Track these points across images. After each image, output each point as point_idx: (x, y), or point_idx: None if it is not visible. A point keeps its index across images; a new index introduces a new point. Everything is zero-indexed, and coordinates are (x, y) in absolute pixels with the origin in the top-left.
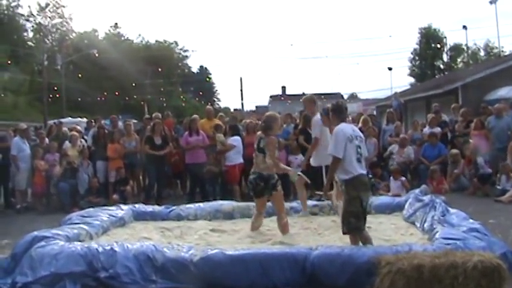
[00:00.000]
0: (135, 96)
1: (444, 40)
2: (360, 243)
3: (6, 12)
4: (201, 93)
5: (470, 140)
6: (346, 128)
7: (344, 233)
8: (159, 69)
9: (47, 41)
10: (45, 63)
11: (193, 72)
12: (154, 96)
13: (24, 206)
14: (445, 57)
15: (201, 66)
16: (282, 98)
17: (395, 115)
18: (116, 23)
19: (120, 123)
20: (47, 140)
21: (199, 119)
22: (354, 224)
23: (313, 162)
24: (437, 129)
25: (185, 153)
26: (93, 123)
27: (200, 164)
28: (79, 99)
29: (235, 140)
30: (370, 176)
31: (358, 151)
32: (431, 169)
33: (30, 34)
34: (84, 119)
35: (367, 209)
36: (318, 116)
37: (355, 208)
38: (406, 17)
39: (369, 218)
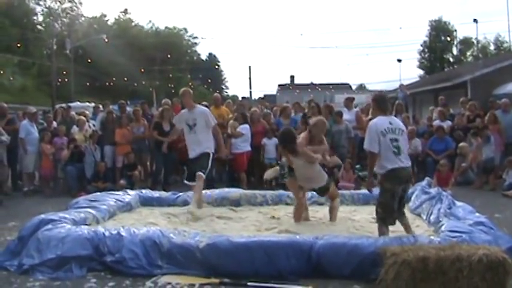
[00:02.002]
0: (143, 82)
1: (454, 33)
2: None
3: None
4: (209, 80)
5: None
6: (380, 121)
7: (376, 222)
8: (168, 56)
9: (57, 25)
10: (54, 47)
11: (202, 60)
12: (163, 83)
13: (31, 189)
14: (454, 51)
15: (210, 54)
16: (291, 87)
17: (403, 107)
18: (126, 9)
19: (128, 109)
20: (54, 123)
21: (212, 106)
22: (380, 215)
23: None
24: (448, 123)
25: None
26: (101, 108)
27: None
28: (87, 84)
29: (244, 128)
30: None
31: (393, 144)
32: (440, 163)
33: (40, 18)
34: (92, 104)
35: (403, 200)
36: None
37: (384, 200)
38: (416, 9)
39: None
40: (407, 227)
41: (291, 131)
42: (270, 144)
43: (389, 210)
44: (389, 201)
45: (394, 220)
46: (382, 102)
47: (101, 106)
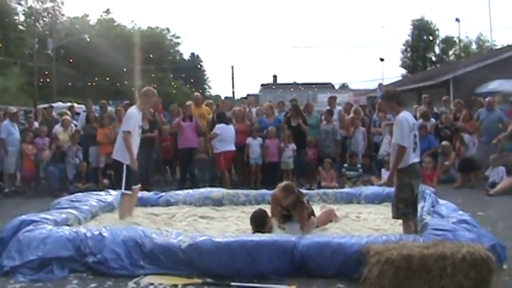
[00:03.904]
0: (126, 82)
1: (436, 32)
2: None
3: None
4: (192, 80)
5: (464, 134)
6: (409, 116)
7: (393, 218)
8: (151, 56)
9: (38, 25)
10: (36, 47)
11: (184, 59)
12: (145, 83)
13: (12, 190)
14: (437, 50)
15: (193, 54)
16: (273, 87)
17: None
18: (108, 9)
19: (110, 109)
20: (36, 123)
21: (193, 105)
22: (401, 210)
23: None
24: (432, 121)
25: (177, 138)
26: (83, 109)
27: (192, 149)
28: (69, 84)
29: (218, 129)
30: (360, 166)
31: (414, 140)
32: (424, 160)
33: (22, 18)
34: (75, 104)
35: (418, 196)
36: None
37: (405, 195)
38: (399, 8)
39: (359, 207)
40: (415, 225)
41: (262, 216)
42: (255, 144)
43: (410, 205)
44: (409, 195)
45: (416, 213)
46: (400, 97)
47: (83, 106)
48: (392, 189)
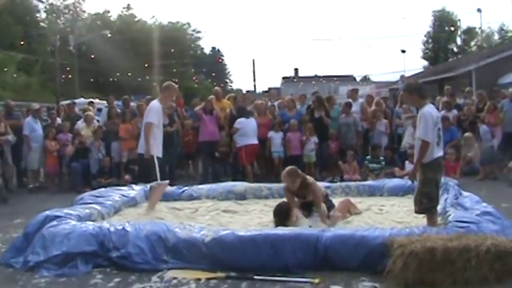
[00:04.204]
0: (147, 77)
1: (458, 23)
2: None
3: None
4: (213, 74)
5: (483, 125)
6: (433, 110)
7: (416, 212)
8: (172, 51)
9: (59, 22)
10: (57, 44)
11: (205, 54)
12: (167, 77)
13: (36, 185)
14: (458, 41)
15: (214, 48)
16: (295, 80)
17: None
18: (128, 4)
19: (132, 104)
20: (58, 120)
21: (214, 100)
22: (425, 205)
23: None
24: (454, 112)
25: (199, 132)
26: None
27: (214, 142)
28: (91, 80)
29: (239, 123)
30: (383, 158)
31: (439, 134)
32: (447, 152)
33: (43, 15)
34: (97, 100)
35: (440, 189)
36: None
37: (429, 189)
38: None
39: (381, 200)
40: (434, 223)
41: (285, 209)
42: (276, 137)
43: (435, 199)
44: (434, 190)
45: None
46: (422, 90)
47: (105, 102)
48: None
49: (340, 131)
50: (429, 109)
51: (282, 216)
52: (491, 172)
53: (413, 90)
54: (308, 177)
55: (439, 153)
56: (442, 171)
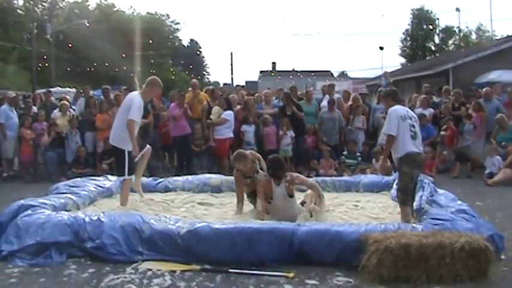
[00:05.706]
0: (124, 68)
1: (436, 22)
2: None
3: None
4: (191, 66)
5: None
6: (399, 108)
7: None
8: (150, 42)
9: (37, 10)
10: (34, 32)
11: (183, 46)
12: (144, 68)
13: (11, 174)
14: (436, 39)
15: (192, 40)
16: (272, 74)
17: None
18: None
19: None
20: (34, 108)
21: (190, 91)
22: (399, 198)
23: None
24: (430, 111)
25: (170, 128)
26: (81, 94)
27: (186, 136)
28: (68, 69)
29: (229, 115)
30: (359, 154)
31: (411, 129)
32: (425, 150)
33: (20, 2)
34: (73, 89)
35: (416, 186)
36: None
37: (404, 183)
38: None
39: (356, 196)
40: (407, 216)
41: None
42: (250, 131)
43: (409, 192)
44: (408, 184)
45: (413, 201)
46: (396, 94)
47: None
48: (389, 178)
49: (323, 127)
50: (394, 108)
51: (282, 166)
52: (465, 170)
53: (387, 95)
54: (296, 174)
55: (414, 148)
56: (421, 167)
